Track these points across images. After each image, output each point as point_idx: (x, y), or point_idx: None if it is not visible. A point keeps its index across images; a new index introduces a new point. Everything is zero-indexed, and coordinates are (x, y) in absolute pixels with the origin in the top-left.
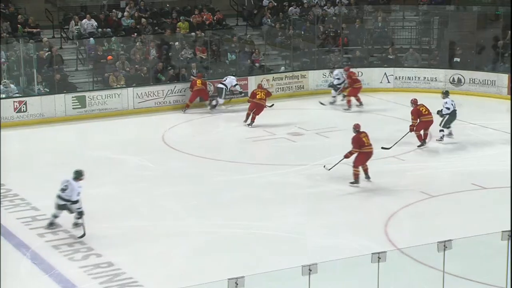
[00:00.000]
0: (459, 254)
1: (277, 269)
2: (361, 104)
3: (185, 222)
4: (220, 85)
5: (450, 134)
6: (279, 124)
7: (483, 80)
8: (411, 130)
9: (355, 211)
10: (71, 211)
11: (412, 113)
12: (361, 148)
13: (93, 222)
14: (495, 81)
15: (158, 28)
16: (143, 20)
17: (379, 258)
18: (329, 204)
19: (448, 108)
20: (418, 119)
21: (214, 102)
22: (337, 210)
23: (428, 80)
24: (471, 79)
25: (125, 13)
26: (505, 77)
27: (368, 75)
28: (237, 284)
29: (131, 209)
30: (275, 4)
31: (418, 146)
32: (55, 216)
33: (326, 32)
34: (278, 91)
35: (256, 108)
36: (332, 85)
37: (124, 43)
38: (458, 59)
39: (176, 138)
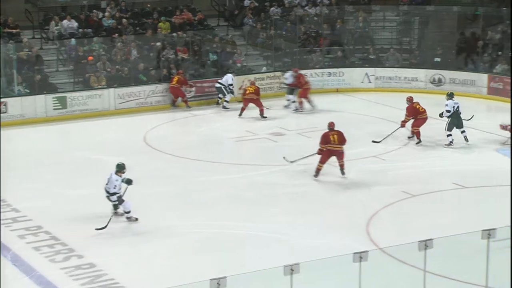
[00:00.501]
0: (440, 253)
1: (260, 269)
2: (312, 105)
3: (167, 223)
4: (218, 84)
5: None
6: (261, 124)
7: (463, 80)
8: (402, 126)
9: (337, 211)
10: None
11: (408, 110)
12: (326, 145)
13: (74, 223)
14: (475, 81)
15: (139, 29)
16: (124, 20)
17: (360, 257)
18: (311, 204)
19: (449, 111)
20: (413, 117)
21: (223, 103)
22: (319, 210)
23: (409, 80)
24: (451, 79)
25: (106, 14)
26: (485, 77)
27: (349, 75)
28: (219, 284)
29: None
30: (257, 4)
31: (417, 144)
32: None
33: (307, 32)
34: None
35: (250, 102)
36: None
37: (105, 44)
38: (439, 59)
39: (158, 138)
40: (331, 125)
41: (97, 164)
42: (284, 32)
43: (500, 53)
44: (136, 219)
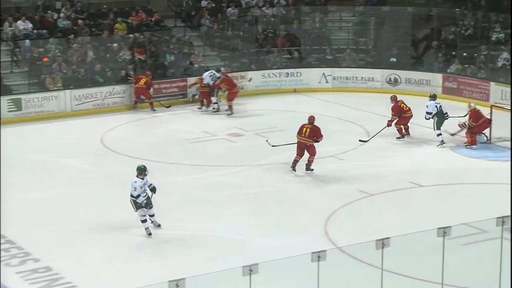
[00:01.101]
0: (396, 251)
1: (219, 270)
2: (231, 111)
3: (125, 225)
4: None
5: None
6: (219, 125)
7: (418, 80)
8: (388, 125)
9: (296, 211)
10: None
11: (393, 109)
12: (297, 136)
13: (30, 226)
14: (430, 80)
15: (95, 30)
16: (79, 21)
17: (319, 257)
18: (270, 204)
19: (429, 113)
20: (398, 116)
21: (214, 106)
22: (278, 210)
23: (365, 80)
24: (407, 79)
25: (61, 14)
26: (439, 77)
27: (307, 75)
28: (178, 286)
29: (70, 212)
30: (214, 5)
31: (397, 138)
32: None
33: (265, 33)
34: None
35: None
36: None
37: (61, 45)
38: (394, 59)
39: (116, 140)
40: (310, 119)
41: (53, 166)
42: (241, 33)
43: (454, 53)
44: (159, 225)
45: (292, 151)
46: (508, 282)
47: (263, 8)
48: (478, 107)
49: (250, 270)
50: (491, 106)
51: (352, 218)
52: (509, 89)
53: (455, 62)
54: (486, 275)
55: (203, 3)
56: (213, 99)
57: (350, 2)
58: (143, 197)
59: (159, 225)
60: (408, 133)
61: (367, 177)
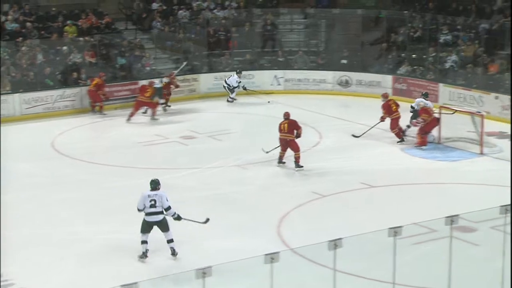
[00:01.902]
0: (349, 252)
1: (172, 273)
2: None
3: (77, 229)
4: (225, 84)
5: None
6: (171, 128)
7: (369, 81)
8: (381, 120)
9: (248, 213)
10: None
11: (383, 107)
12: (279, 134)
13: None
14: (380, 82)
15: (44, 33)
16: (28, 24)
17: (272, 258)
18: (222, 206)
19: (413, 107)
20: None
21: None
22: (230, 212)
23: (317, 82)
24: (357, 81)
25: (9, 17)
26: (389, 78)
27: (259, 78)
28: None
29: (21, 217)
30: (165, 7)
31: (398, 142)
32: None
33: (216, 35)
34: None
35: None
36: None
37: (9, 48)
38: (345, 61)
39: (67, 144)
40: (286, 115)
41: (4, 171)
42: (193, 35)
43: (403, 54)
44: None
45: (241, 153)
46: (458, 279)
47: (215, 11)
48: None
49: (203, 273)
50: (440, 107)
51: (305, 220)
52: (457, 90)
53: (404, 64)
54: (436, 273)
55: (154, 6)
56: (162, 100)
57: (301, 4)
58: (176, 212)
59: (175, 253)
60: (404, 137)
61: (318, 178)
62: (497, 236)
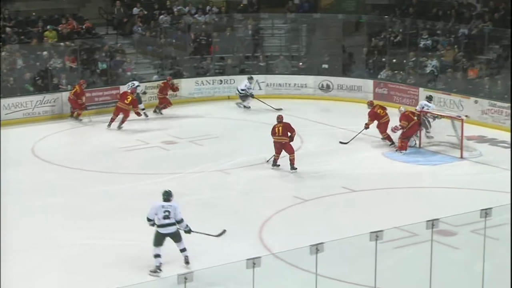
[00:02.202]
0: (330, 256)
1: (153, 279)
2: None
3: (57, 235)
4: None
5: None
6: (152, 133)
7: (350, 86)
8: (365, 127)
9: (230, 218)
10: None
11: (369, 115)
12: (273, 137)
13: None
14: (361, 86)
15: (24, 38)
16: (7, 29)
17: (254, 263)
18: (204, 211)
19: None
20: (376, 121)
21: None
22: (212, 217)
23: (298, 86)
24: (339, 85)
25: None
26: (370, 83)
27: (240, 82)
28: None
29: (2, 223)
30: (145, 12)
31: (390, 145)
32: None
33: (198, 40)
34: (151, 100)
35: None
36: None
37: None
38: (326, 66)
39: (47, 149)
40: (279, 118)
41: None
42: (174, 40)
43: (384, 59)
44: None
45: (223, 158)
46: (438, 283)
47: (196, 16)
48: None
49: (185, 278)
50: (420, 112)
51: (286, 224)
52: (437, 95)
53: (385, 69)
54: (417, 277)
55: (135, 11)
56: (142, 105)
57: (282, 9)
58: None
59: (188, 262)
60: (392, 143)
61: (300, 183)
62: (477, 240)
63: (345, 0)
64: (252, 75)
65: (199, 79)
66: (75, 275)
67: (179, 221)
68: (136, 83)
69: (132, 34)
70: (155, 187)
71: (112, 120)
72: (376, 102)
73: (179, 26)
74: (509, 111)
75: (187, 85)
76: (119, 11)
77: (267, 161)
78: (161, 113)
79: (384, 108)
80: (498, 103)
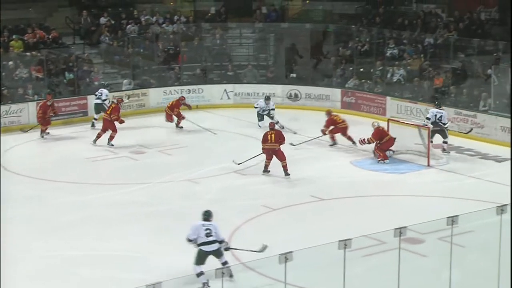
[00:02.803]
0: (299, 265)
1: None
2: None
3: (26, 247)
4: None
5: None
6: (121, 143)
7: (318, 95)
8: (323, 134)
9: None
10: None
11: (326, 121)
12: (263, 144)
13: None
14: (329, 95)
15: None
16: None
17: (223, 273)
18: (173, 222)
19: (428, 118)
20: (332, 126)
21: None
22: (181, 227)
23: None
24: (307, 94)
25: None
26: (338, 92)
27: (208, 92)
28: None
29: None
30: (113, 22)
31: (330, 145)
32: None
33: (166, 50)
34: (126, 108)
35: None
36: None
37: None
38: (294, 75)
39: (14, 160)
40: (271, 125)
41: None
42: (141, 50)
43: (351, 68)
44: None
45: (191, 168)
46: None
47: (163, 25)
48: (381, 124)
49: None
50: (388, 120)
51: (256, 233)
52: (404, 103)
53: (352, 77)
54: (385, 285)
55: (102, 20)
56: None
57: (250, 18)
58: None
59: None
60: (353, 142)
61: (269, 192)
62: (444, 247)
63: (312, 10)
64: (269, 96)
65: (167, 89)
66: (47, 286)
67: (221, 242)
68: (105, 91)
69: (99, 44)
70: (124, 197)
71: (98, 135)
72: (344, 111)
73: (147, 35)
74: (475, 119)
75: (154, 95)
76: (86, 21)
77: (239, 164)
78: (180, 127)
79: (340, 118)
80: (464, 112)
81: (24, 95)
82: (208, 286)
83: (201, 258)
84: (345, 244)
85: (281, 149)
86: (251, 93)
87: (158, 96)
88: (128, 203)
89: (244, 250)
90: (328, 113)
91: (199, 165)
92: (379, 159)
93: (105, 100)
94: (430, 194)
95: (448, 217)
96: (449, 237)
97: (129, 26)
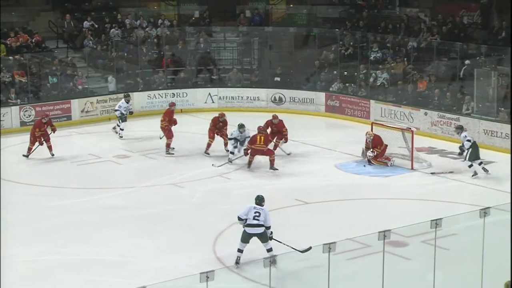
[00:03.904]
0: (284, 268)
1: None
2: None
3: (12, 251)
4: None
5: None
6: (105, 147)
7: (302, 99)
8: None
9: (184, 231)
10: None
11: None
12: (251, 145)
13: None
14: (313, 99)
15: None
16: None
17: (207, 277)
18: (158, 225)
19: (469, 141)
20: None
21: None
22: (166, 231)
23: (251, 99)
24: (291, 98)
25: None
26: (322, 95)
27: (193, 96)
28: None
29: None
30: (96, 26)
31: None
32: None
33: (149, 53)
34: (102, 114)
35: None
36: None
37: None
38: (279, 78)
39: None
40: (259, 128)
41: None
42: (125, 54)
43: (335, 72)
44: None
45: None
46: None
47: (147, 29)
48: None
49: None
50: (372, 123)
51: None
52: (388, 107)
53: (336, 81)
54: (370, 287)
55: (86, 24)
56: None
57: (233, 22)
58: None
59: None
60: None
61: (254, 195)
62: (428, 250)
63: (296, 14)
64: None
65: (151, 93)
66: None
67: (268, 227)
68: (123, 105)
69: (83, 48)
70: (108, 201)
71: (168, 145)
72: (328, 114)
73: (131, 39)
74: (458, 122)
75: (138, 99)
76: (69, 25)
77: (218, 166)
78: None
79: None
80: (447, 115)
81: (7, 99)
82: (238, 263)
83: (244, 238)
84: (329, 247)
85: (269, 148)
86: (236, 97)
87: (142, 100)
88: (112, 207)
89: (288, 245)
90: (261, 129)
91: (183, 169)
92: (390, 163)
93: (126, 111)
94: (414, 197)
95: (432, 220)
96: (433, 240)
97: (112, 30)
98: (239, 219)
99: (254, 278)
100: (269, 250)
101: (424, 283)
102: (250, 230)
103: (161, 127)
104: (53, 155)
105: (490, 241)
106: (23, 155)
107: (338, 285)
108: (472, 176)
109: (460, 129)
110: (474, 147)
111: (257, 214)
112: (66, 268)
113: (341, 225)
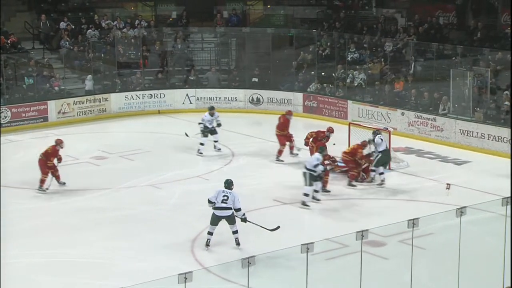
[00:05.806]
0: (262, 269)
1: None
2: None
3: None
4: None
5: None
6: (82, 148)
7: (280, 99)
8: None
9: (162, 232)
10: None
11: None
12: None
13: None
14: (291, 99)
15: None
16: None
17: (185, 278)
18: (136, 226)
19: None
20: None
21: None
22: (144, 232)
23: (228, 100)
24: (269, 98)
25: None
26: (300, 96)
27: (170, 97)
28: None
29: None
30: (73, 27)
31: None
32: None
33: (127, 54)
34: (80, 115)
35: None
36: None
37: None
38: (256, 79)
39: None
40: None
41: None
42: (102, 55)
43: (312, 72)
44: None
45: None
46: None
47: (124, 30)
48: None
49: None
50: (349, 124)
51: (219, 237)
52: (365, 107)
53: (314, 82)
54: (348, 287)
55: (62, 25)
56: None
57: (211, 23)
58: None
59: (239, 243)
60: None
61: None
62: (405, 250)
63: (273, 14)
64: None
65: (129, 94)
66: None
67: (237, 210)
68: (206, 118)
69: (59, 49)
70: (86, 203)
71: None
72: (306, 115)
73: (108, 40)
74: (434, 122)
75: (116, 100)
76: (45, 26)
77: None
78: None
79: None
80: (424, 115)
81: None
82: (208, 245)
83: (213, 220)
84: (307, 247)
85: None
86: (213, 98)
87: (119, 101)
88: (90, 209)
89: (258, 225)
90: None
91: (162, 170)
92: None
93: (210, 124)
94: (391, 197)
95: (409, 220)
96: (410, 240)
97: (89, 30)
98: (209, 202)
99: (232, 278)
100: (235, 232)
101: (401, 282)
102: (218, 212)
103: (279, 135)
104: (64, 183)
105: (467, 240)
106: (39, 191)
107: (317, 285)
108: (378, 184)
109: (374, 134)
110: (386, 154)
111: (225, 197)
112: (43, 271)
113: (319, 225)
